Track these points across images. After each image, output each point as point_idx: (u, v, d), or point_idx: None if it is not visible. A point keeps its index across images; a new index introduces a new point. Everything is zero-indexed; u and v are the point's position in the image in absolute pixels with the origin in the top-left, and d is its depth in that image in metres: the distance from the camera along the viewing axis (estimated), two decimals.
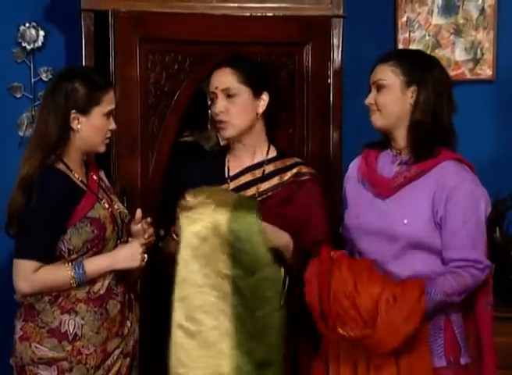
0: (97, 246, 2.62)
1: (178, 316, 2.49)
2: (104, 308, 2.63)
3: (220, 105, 2.77)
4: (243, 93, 2.77)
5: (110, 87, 2.69)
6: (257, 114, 2.80)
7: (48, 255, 2.57)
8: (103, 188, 2.75)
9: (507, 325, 3.42)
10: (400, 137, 2.71)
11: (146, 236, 2.68)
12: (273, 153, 2.86)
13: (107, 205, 2.68)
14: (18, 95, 3.56)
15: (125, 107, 3.12)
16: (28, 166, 2.59)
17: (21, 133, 3.55)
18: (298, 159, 2.87)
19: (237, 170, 2.85)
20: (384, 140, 2.79)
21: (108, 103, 2.66)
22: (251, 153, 2.84)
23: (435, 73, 2.68)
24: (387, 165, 2.75)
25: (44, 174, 2.56)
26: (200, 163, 2.93)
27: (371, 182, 2.74)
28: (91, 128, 2.64)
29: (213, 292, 2.50)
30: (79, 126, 2.62)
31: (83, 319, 2.59)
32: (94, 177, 2.74)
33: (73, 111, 2.61)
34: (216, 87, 2.78)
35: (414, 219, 2.62)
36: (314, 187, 2.82)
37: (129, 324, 2.71)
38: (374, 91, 2.70)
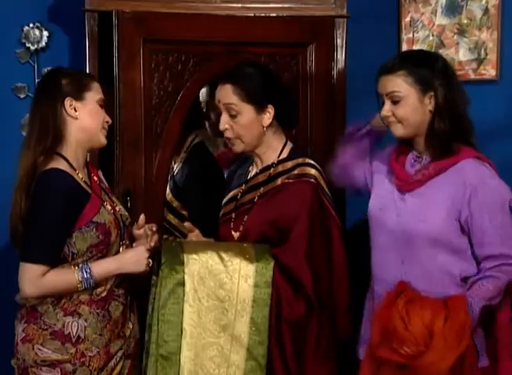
0: (102, 251, 2.62)
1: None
2: (107, 309, 2.63)
3: (224, 121, 2.79)
4: (246, 112, 2.77)
5: (94, 80, 2.73)
6: (263, 127, 2.79)
7: (56, 259, 2.56)
8: (104, 189, 2.74)
9: None
10: (421, 141, 2.71)
11: (152, 244, 2.68)
12: (285, 154, 2.86)
13: (110, 208, 2.67)
14: (22, 96, 3.56)
15: (128, 107, 3.13)
16: (28, 165, 2.57)
17: (25, 134, 3.54)
18: (302, 160, 2.85)
19: (253, 173, 2.89)
20: (405, 141, 2.77)
21: (97, 91, 2.68)
22: (265, 158, 2.86)
23: (443, 70, 2.67)
24: (408, 166, 2.74)
25: (49, 176, 2.55)
26: (236, 169, 3.02)
27: (395, 173, 2.73)
28: (88, 113, 2.64)
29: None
30: (76, 113, 2.63)
31: (86, 321, 2.59)
32: (95, 178, 2.73)
33: (68, 98, 2.62)
34: (219, 101, 2.79)
35: (432, 217, 2.62)
36: (303, 191, 2.76)
37: (130, 325, 2.71)
38: (388, 103, 2.67)
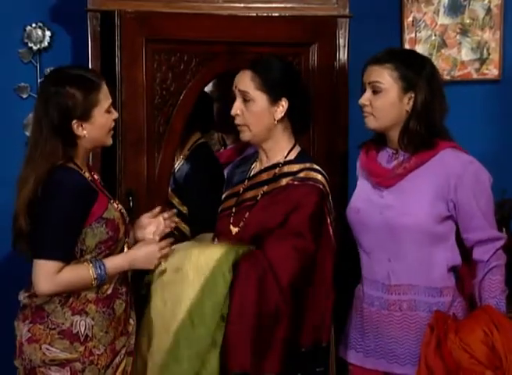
0: (110, 248, 2.63)
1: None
2: (112, 307, 2.64)
3: (236, 107, 2.79)
4: (260, 100, 2.77)
5: (102, 82, 2.64)
6: (274, 119, 2.79)
7: (70, 255, 2.57)
8: (103, 187, 2.75)
9: None
10: (394, 138, 2.74)
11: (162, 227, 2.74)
12: (292, 156, 2.85)
13: (116, 205, 2.69)
14: (24, 96, 3.56)
15: (131, 107, 3.12)
16: (35, 176, 2.55)
17: (27, 134, 3.54)
18: (310, 165, 2.83)
19: (256, 171, 2.88)
20: (379, 137, 2.81)
21: (105, 99, 2.64)
22: (271, 155, 2.85)
23: (430, 76, 2.71)
24: (384, 162, 2.77)
25: (60, 173, 2.56)
26: (238, 165, 3.02)
27: (371, 171, 2.77)
28: (96, 129, 2.63)
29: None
30: (84, 132, 2.61)
31: (93, 319, 2.60)
32: (96, 177, 2.74)
33: (74, 121, 2.59)
34: (235, 87, 2.81)
35: (416, 210, 2.65)
36: (306, 193, 2.75)
37: (132, 322, 2.72)
38: (369, 92, 2.72)
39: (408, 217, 2.65)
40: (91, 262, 2.58)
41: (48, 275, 2.53)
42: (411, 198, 2.67)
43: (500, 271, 2.72)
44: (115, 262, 2.61)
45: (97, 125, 2.63)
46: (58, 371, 2.58)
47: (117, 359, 2.66)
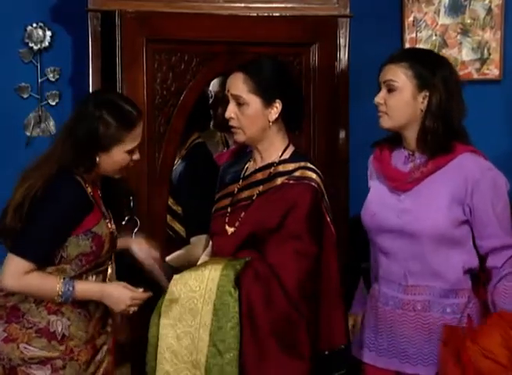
0: (90, 263, 2.61)
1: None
2: (87, 309, 2.63)
3: (230, 110, 2.77)
4: (253, 103, 2.75)
5: (139, 123, 2.63)
6: (269, 121, 2.79)
7: (45, 261, 2.56)
8: (104, 205, 2.73)
9: None
10: (411, 139, 2.72)
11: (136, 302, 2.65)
12: (287, 155, 2.85)
13: (110, 225, 2.68)
14: (25, 95, 3.56)
15: None
16: (40, 175, 2.56)
17: (28, 133, 3.55)
18: (304, 163, 2.81)
19: (251, 170, 2.87)
20: (394, 137, 2.79)
21: (132, 141, 2.62)
22: (266, 155, 2.84)
23: (446, 76, 2.68)
24: (400, 164, 2.75)
25: (62, 178, 2.56)
26: (231, 164, 2.99)
27: (387, 175, 2.75)
28: (109, 162, 2.62)
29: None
30: (98, 159, 2.61)
31: (69, 319, 2.60)
32: (99, 193, 2.73)
33: (93, 148, 2.58)
34: (228, 91, 2.79)
35: (435, 214, 2.64)
36: (302, 192, 2.73)
37: (110, 322, 2.73)
38: (384, 91, 2.70)
39: (426, 221, 2.63)
40: (63, 279, 2.56)
41: (16, 272, 2.52)
42: (429, 202, 2.66)
43: None
44: (85, 288, 2.59)
45: (112, 160, 2.62)
46: (39, 369, 2.57)
47: (99, 356, 2.67)
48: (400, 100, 2.67)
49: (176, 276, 2.71)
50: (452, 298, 2.68)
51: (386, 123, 2.71)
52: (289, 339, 2.65)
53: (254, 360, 2.64)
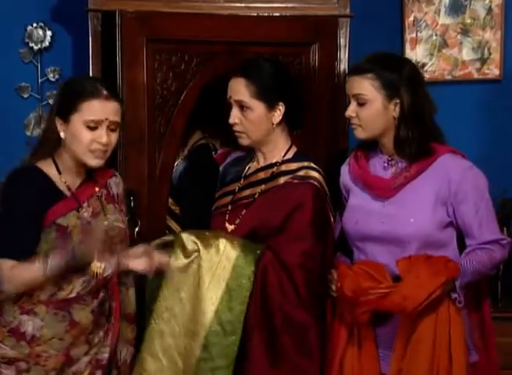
0: None
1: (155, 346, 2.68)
2: (67, 311, 2.58)
3: (234, 116, 2.78)
4: (257, 108, 2.76)
5: (97, 97, 2.57)
6: (272, 124, 2.79)
7: (23, 254, 2.52)
8: (101, 201, 2.69)
9: None
10: (388, 144, 2.73)
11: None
12: (290, 155, 2.85)
13: (86, 215, 2.61)
14: (25, 95, 3.57)
15: (131, 107, 3.12)
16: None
17: (28, 133, 3.55)
18: (308, 163, 2.83)
19: (253, 170, 2.88)
20: (368, 143, 2.79)
21: (88, 112, 2.56)
22: (269, 156, 2.85)
23: (410, 79, 2.68)
24: (380, 169, 2.75)
25: (19, 171, 2.58)
26: (232, 164, 3.01)
27: (368, 184, 2.74)
28: (71, 136, 2.59)
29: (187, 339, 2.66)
30: (62, 133, 2.60)
31: (42, 320, 2.56)
32: (96, 188, 2.68)
33: (56, 117, 2.59)
34: (230, 97, 2.79)
35: (420, 218, 2.64)
36: (307, 192, 2.74)
37: (101, 334, 2.65)
38: (354, 104, 2.70)
39: (411, 226, 2.64)
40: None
41: (4, 274, 2.53)
42: (413, 206, 2.66)
43: (490, 254, 2.65)
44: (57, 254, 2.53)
45: (73, 133, 2.58)
46: (6, 368, 2.56)
47: (75, 367, 2.60)
48: (372, 112, 2.68)
49: (181, 234, 2.74)
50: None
51: (361, 134, 2.72)
52: (300, 337, 2.66)
53: (263, 351, 2.65)
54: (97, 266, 2.53)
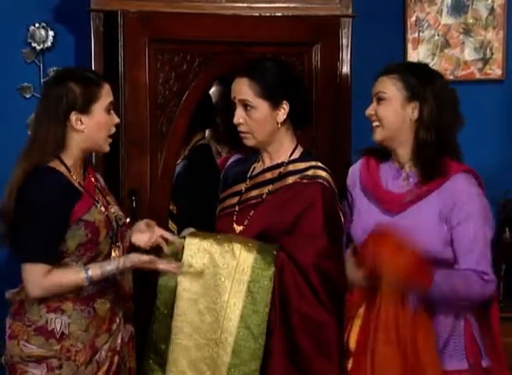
0: (91, 250, 2.60)
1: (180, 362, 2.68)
2: (92, 306, 2.62)
3: (238, 116, 2.78)
4: (261, 107, 2.76)
5: (103, 81, 2.65)
6: (277, 123, 2.79)
7: (54, 257, 2.56)
8: (99, 190, 2.72)
9: None
10: (404, 153, 2.72)
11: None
12: (296, 155, 2.85)
13: (103, 209, 2.66)
14: (27, 95, 3.57)
15: (134, 107, 3.13)
16: (22, 170, 2.57)
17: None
18: (315, 163, 2.83)
19: (259, 170, 2.88)
20: (381, 149, 2.78)
21: (106, 96, 2.63)
22: (275, 156, 2.85)
23: (438, 89, 2.68)
24: (390, 179, 2.75)
25: (38, 174, 2.56)
26: (236, 165, 3.00)
27: (379, 198, 2.73)
28: (95, 126, 2.61)
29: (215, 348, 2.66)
30: (83, 127, 2.60)
31: (69, 317, 2.59)
32: (92, 179, 2.72)
33: (73, 112, 2.58)
34: (234, 97, 2.79)
35: (426, 233, 2.63)
36: (317, 191, 2.74)
37: (117, 320, 2.70)
38: (374, 103, 2.72)
39: (418, 243, 2.63)
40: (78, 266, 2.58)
41: (36, 280, 2.53)
42: (421, 222, 2.64)
43: (466, 280, 2.60)
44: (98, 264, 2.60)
45: (96, 122, 2.61)
46: (35, 367, 2.58)
47: (98, 356, 2.64)
48: (389, 109, 2.68)
49: (192, 241, 2.71)
50: (442, 318, 2.66)
51: (379, 134, 2.71)
52: (320, 337, 2.66)
53: (282, 351, 2.65)
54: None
